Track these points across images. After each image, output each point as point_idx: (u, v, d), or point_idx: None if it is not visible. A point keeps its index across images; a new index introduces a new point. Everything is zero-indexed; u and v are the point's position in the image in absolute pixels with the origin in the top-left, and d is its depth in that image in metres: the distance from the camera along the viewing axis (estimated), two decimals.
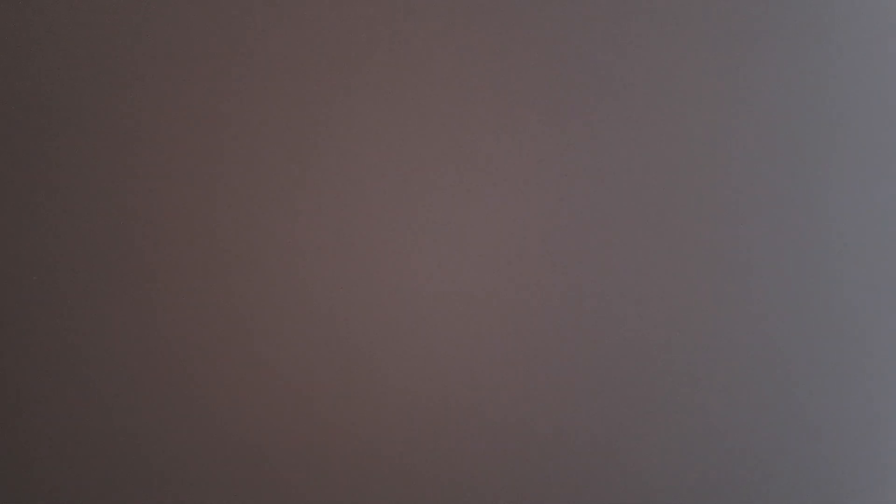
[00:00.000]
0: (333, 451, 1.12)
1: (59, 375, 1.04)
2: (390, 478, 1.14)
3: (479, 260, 1.17)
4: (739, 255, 1.26)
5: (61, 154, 1.04)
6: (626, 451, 1.22)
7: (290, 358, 1.11)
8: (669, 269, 1.24)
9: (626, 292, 1.22)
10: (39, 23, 1.03)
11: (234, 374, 1.09)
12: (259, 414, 1.10)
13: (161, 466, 1.07)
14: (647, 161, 1.23)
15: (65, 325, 1.04)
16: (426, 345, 1.15)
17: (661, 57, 1.23)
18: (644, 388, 1.23)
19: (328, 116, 1.12)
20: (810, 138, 1.29)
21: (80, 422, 1.05)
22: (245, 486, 1.10)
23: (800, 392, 1.29)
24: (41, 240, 1.04)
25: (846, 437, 1.31)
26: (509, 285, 1.18)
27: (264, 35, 1.10)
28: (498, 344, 1.17)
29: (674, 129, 1.24)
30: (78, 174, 1.04)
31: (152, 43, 1.06)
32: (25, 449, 1.04)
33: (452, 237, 1.16)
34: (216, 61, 1.08)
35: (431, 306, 1.15)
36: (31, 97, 1.03)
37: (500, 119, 1.17)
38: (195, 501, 1.08)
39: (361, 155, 1.13)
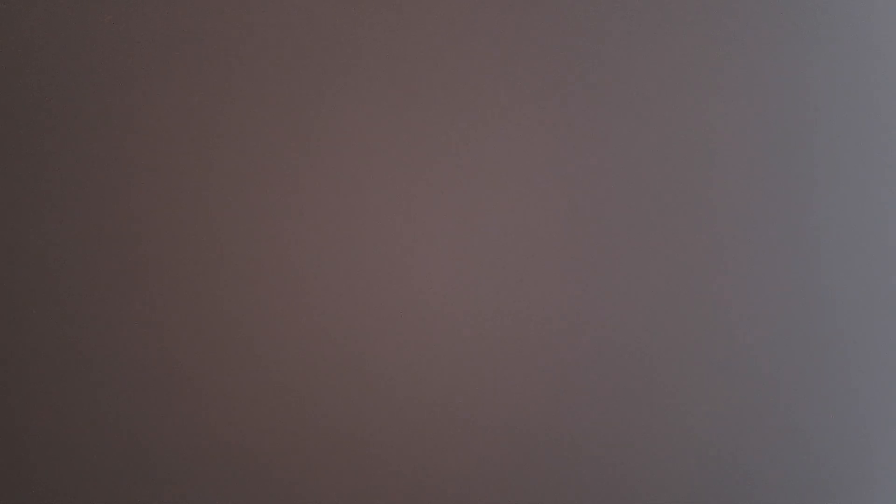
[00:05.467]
0: (333, 455, 1.12)
1: (57, 376, 1.04)
2: (389, 482, 1.14)
3: (479, 263, 1.17)
4: (735, 261, 1.26)
5: (58, 154, 1.04)
6: (620, 455, 1.22)
7: (289, 361, 1.11)
8: (665, 273, 1.24)
9: (623, 296, 1.22)
10: (38, 23, 1.03)
11: (233, 376, 1.09)
12: (257, 417, 1.10)
13: (160, 468, 1.07)
14: (652, 163, 1.23)
15: (63, 326, 1.04)
16: (425, 348, 1.15)
17: (666, 58, 1.23)
18: (640, 392, 1.23)
19: (329, 116, 1.12)
20: (808, 142, 1.29)
21: (79, 424, 1.05)
22: (245, 489, 1.10)
23: (790, 396, 1.29)
24: (40, 240, 1.04)
25: (835, 440, 1.31)
26: (509, 289, 1.18)
27: (263, 34, 1.10)
28: (497, 348, 1.17)
29: (683, 131, 1.24)
30: (75, 174, 1.05)
31: (150, 41, 1.06)
32: (25, 449, 1.04)
33: (453, 240, 1.16)
34: (214, 61, 1.08)
35: (431, 309, 1.15)
36: (30, 97, 1.03)
37: (505, 120, 1.17)
38: (193, 503, 1.08)
39: (363, 156, 1.13)
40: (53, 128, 1.04)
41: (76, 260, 1.04)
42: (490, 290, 1.17)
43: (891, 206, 1.32)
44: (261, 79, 1.09)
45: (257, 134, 1.09)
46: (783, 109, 1.27)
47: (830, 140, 1.29)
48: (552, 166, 1.18)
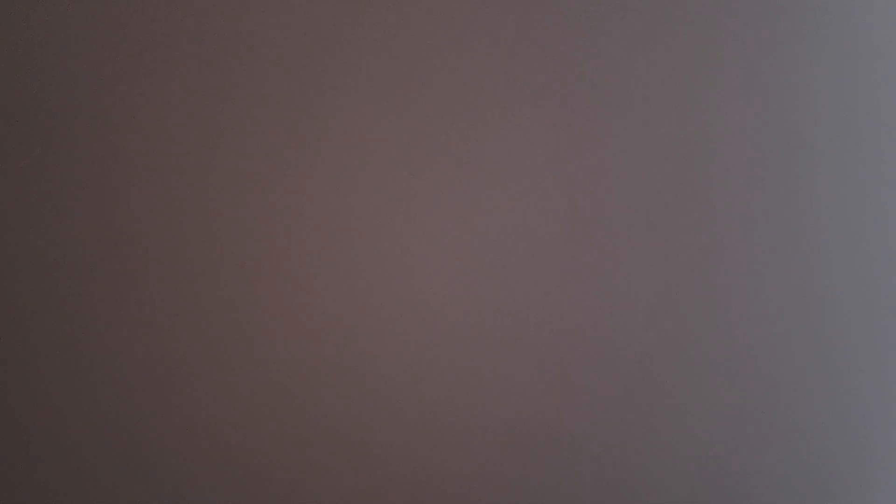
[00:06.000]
0: (333, 455, 1.12)
1: (57, 376, 1.04)
2: (389, 482, 1.14)
3: (479, 263, 1.17)
4: (735, 261, 1.26)
5: (58, 154, 1.04)
6: (620, 455, 1.22)
7: (289, 361, 1.11)
8: (666, 273, 1.24)
9: (623, 296, 1.22)
10: (39, 22, 1.03)
11: (233, 376, 1.09)
12: (257, 417, 1.10)
13: (160, 468, 1.07)
14: (652, 163, 1.23)
15: (63, 326, 1.04)
16: (426, 348, 1.15)
17: (666, 58, 1.23)
18: (640, 392, 1.23)
19: (329, 116, 1.12)
20: (808, 142, 1.29)
21: (79, 424, 1.05)
22: (245, 489, 1.10)
23: (790, 396, 1.29)
24: (40, 240, 1.04)
25: (835, 440, 1.31)
26: (509, 289, 1.18)
27: (263, 34, 1.10)
28: (497, 348, 1.17)
29: (683, 131, 1.24)
30: (75, 174, 1.05)
31: (150, 41, 1.06)
32: (25, 449, 1.04)
33: (453, 240, 1.16)
34: (214, 61, 1.08)
35: (431, 309, 1.15)
36: (30, 97, 1.03)
37: (505, 120, 1.17)
38: (193, 503, 1.08)
39: (363, 156, 1.13)
40: (53, 128, 1.04)
41: (76, 260, 1.04)
42: (490, 290, 1.17)
43: (891, 206, 1.32)
44: (261, 79, 1.09)
45: (257, 134, 1.09)
46: (783, 109, 1.27)
47: (831, 140, 1.29)
48: (552, 166, 1.18)
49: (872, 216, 1.31)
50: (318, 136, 1.11)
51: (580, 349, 1.20)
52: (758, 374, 1.27)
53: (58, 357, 1.04)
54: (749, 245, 1.26)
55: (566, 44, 1.19)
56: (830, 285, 1.29)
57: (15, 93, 1.03)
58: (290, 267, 1.10)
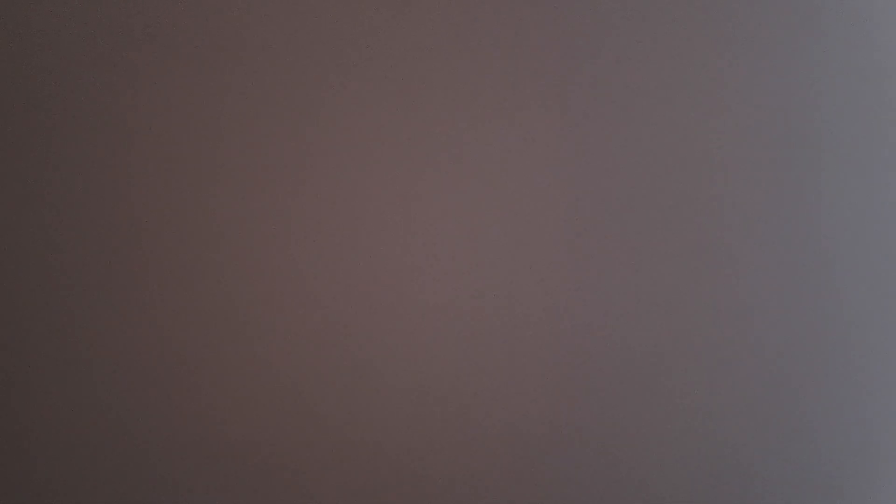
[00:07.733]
0: (334, 455, 1.12)
1: (57, 376, 1.04)
2: (391, 482, 1.14)
3: (481, 263, 1.17)
4: (739, 259, 1.26)
5: (59, 154, 1.04)
6: (625, 454, 1.22)
7: (291, 361, 1.11)
8: (669, 272, 1.24)
9: (627, 296, 1.22)
10: (39, 22, 1.04)
11: (235, 376, 1.09)
12: (259, 418, 1.10)
13: (160, 468, 1.07)
14: (656, 163, 1.23)
15: (63, 326, 1.05)
16: (427, 348, 1.15)
17: (670, 58, 1.23)
18: (645, 391, 1.23)
19: (330, 116, 1.12)
20: (815, 140, 1.29)
21: (79, 424, 1.05)
22: (246, 490, 1.10)
23: (795, 394, 1.29)
24: (40, 240, 1.04)
25: (841, 438, 1.31)
26: (512, 289, 1.18)
27: (263, 33, 1.10)
28: (500, 347, 1.17)
29: (687, 130, 1.24)
30: (76, 174, 1.05)
31: (151, 42, 1.07)
32: (25, 449, 1.04)
33: (455, 240, 1.16)
34: (215, 61, 1.08)
35: (433, 309, 1.15)
36: (30, 97, 1.03)
37: (507, 119, 1.17)
38: (192, 502, 1.08)
39: (365, 156, 1.13)
40: (54, 128, 1.04)
41: (76, 260, 1.04)
42: (492, 289, 1.17)
43: None
44: (262, 79, 1.09)
45: (257, 134, 1.09)
46: (787, 109, 1.27)
47: (838, 137, 1.29)
48: (553, 166, 1.18)
49: (881, 214, 1.31)
50: (319, 136, 1.11)
51: (583, 349, 1.20)
52: (764, 374, 1.26)
53: (58, 357, 1.04)
54: (755, 244, 1.26)
55: (567, 44, 1.19)
56: (838, 283, 1.29)
57: (15, 93, 1.03)
58: (290, 267, 1.10)
